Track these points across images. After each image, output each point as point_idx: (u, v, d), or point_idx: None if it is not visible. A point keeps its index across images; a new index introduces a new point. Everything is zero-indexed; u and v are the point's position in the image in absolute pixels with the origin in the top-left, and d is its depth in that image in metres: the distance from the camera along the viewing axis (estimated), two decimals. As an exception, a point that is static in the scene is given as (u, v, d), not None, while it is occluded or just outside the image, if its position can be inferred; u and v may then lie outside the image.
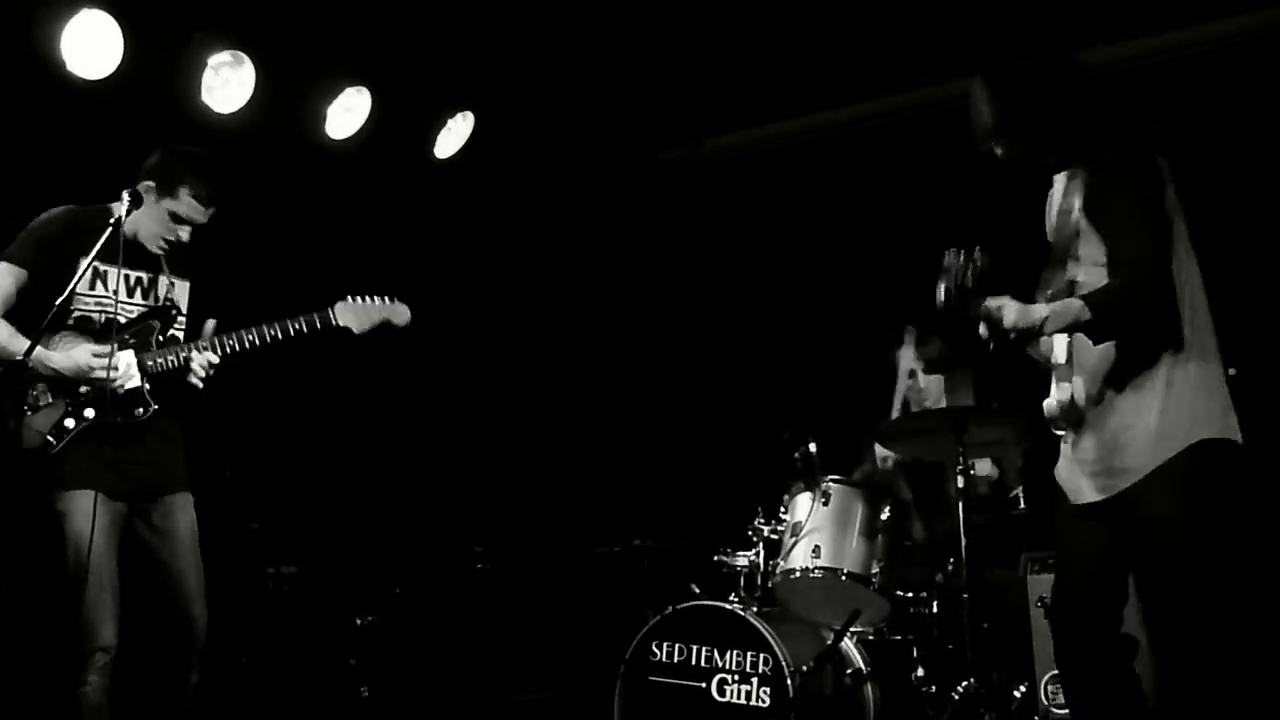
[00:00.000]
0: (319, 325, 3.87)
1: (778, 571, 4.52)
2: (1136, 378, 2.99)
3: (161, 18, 5.00)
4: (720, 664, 4.30)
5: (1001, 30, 5.38)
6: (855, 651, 4.41)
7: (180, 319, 3.92)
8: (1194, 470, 2.92)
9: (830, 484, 4.55)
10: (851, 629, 4.37)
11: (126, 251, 3.72)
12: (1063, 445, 3.18)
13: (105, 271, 3.76)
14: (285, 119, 5.50)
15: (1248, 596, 3.02)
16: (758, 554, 4.71)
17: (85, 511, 3.58)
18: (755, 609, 4.47)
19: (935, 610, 4.56)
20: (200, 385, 3.77)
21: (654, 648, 4.42)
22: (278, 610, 5.49)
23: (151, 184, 3.80)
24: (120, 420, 3.72)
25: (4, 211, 4.82)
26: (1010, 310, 2.98)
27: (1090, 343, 3.03)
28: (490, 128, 6.14)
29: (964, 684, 4.18)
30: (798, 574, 4.45)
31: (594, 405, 6.70)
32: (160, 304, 3.89)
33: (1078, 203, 3.07)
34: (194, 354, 3.76)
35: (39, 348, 3.58)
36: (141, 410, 3.75)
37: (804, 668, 4.18)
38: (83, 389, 3.68)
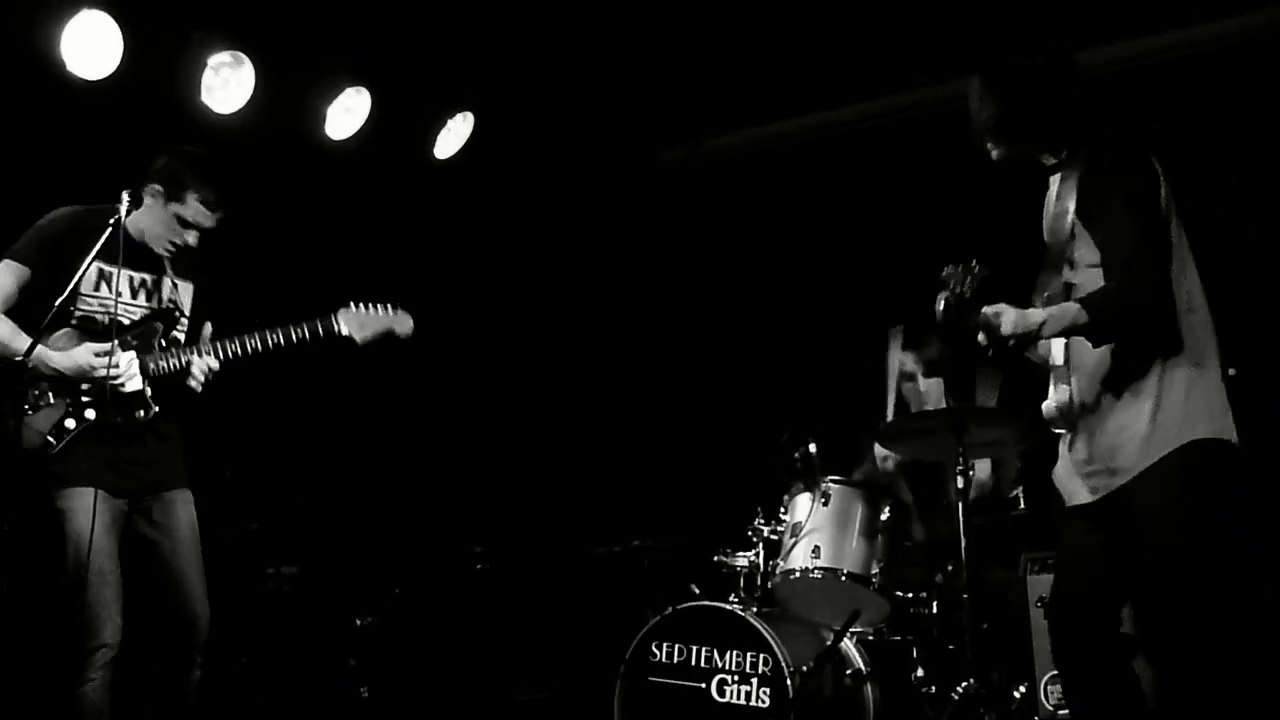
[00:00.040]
0: (321, 332, 3.88)
1: (777, 572, 4.52)
2: (1132, 379, 2.99)
3: (161, 18, 5.01)
4: (720, 664, 4.30)
5: (1001, 30, 5.37)
6: (855, 652, 4.40)
7: (183, 321, 3.93)
8: (1186, 470, 2.93)
9: (830, 484, 4.55)
10: (851, 629, 4.37)
11: (131, 253, 3.74)
12: (1061, 447, 3.18)
13: (110, 273, 3.76)
14: (285, 119, 5.51)
15: (1242, 597, 3.02)
16: (757, 554, 4.70)
17: (85, 509, 3.58)
18: (755, 609, 4.47)
19: (935, 610, 4.55)
20: (199, 390, 3.78)
21: (654, 648, 4.42)
22: (278, 610, 5.49)
23: (158, 187, 3.81)
24: (121, 421, 3.73)
25: (4, 211, 4.83)
26: (1008, 317, 2.99)
27: (1089, 345, 3.04)
28: (490, 128, 6.14)
29: (964, 684, 4.18)
30: (797, 574, 4.44)
31: (594, 405, 6.70)
32: (163, 306, 3.89)
33: (1072, 205, 3.07)
34: (195, 359, 3.76)
35: (41, 347, 3.58)
36: (142, 412, 3.76)
37: (804, 668, 4.18)
38: (84, 389, 3.68)
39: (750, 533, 4.72)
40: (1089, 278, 3.04)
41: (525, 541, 6.42)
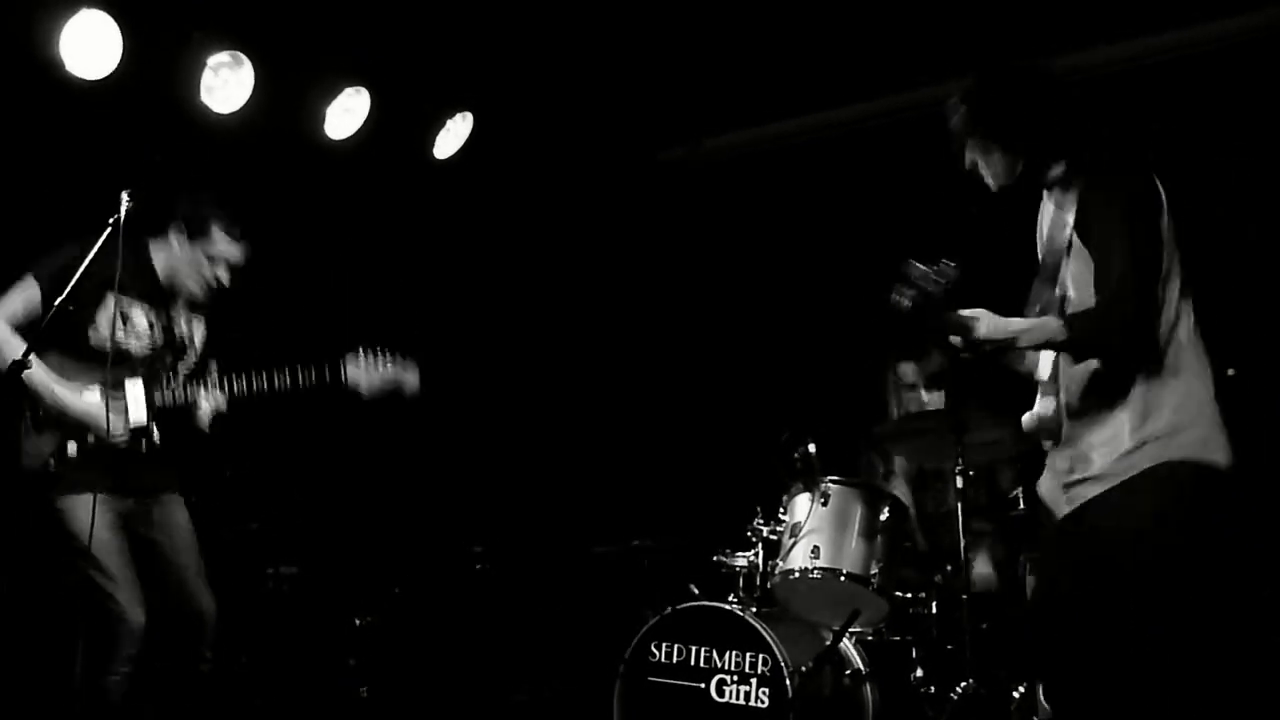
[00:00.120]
0: (328, 379, 3.93)
1: (777, 572, 4.51)
2: (1114, 395, 2.99)
3: (161, 18, 5.00)
4: (719, 664, 4.30)
5: (1001, 30, 5.37)
6: (854, 652, 4.40)
7: (191, 354, 3.97)
8: (1163, 487, 2.92)
9: (829, 484, 4.55)
10: (850, 629, 4.37)
11: (151, 290, 3.82)
12: (1047, 460, 3.19)
13: (128, 309, 3.81)
14: (284, 119, 5.50)
15: (1201, 618, 3.02)
16: (757, 554, 4.70)
17: (86, 509, 3.61)
18: (754, 609, 4.47)
19: (934, 611, 4.56)
20: (206, 430, 3.84)
21: (653, 648, 4.42)
22: (277, 610, 5.49)
23: (183, 229, 3.85)
24: (123, 446, 3.76)
25: (4, 211, 4.84)
26: (984, 322, 2.99)
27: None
28: (489, 128, 6.14)
29: (963, 684, 4.19)
30: (797, 574, 4.44)
31: (593, 405, 6.70)
32: (176, 340, 3.94)
33: (1071, 219, 3.06)
34: (203, 399, 3.81)
35: (48, 375, 3.61)
36: (145, 444, 3.80)
37: (803, 668, 4.18)
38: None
39: (749, 533, 4.72)
40: (1083, 293, 3.03)
41: (525, 541, 6.42)
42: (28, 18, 4.68)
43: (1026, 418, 3.13)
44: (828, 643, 4.32)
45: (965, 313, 3.00)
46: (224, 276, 3.93)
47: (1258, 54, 5.32)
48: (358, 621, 5.69)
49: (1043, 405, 3.12)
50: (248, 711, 5.20)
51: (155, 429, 3.81)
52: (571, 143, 6.51)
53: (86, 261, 3.54)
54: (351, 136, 5.67)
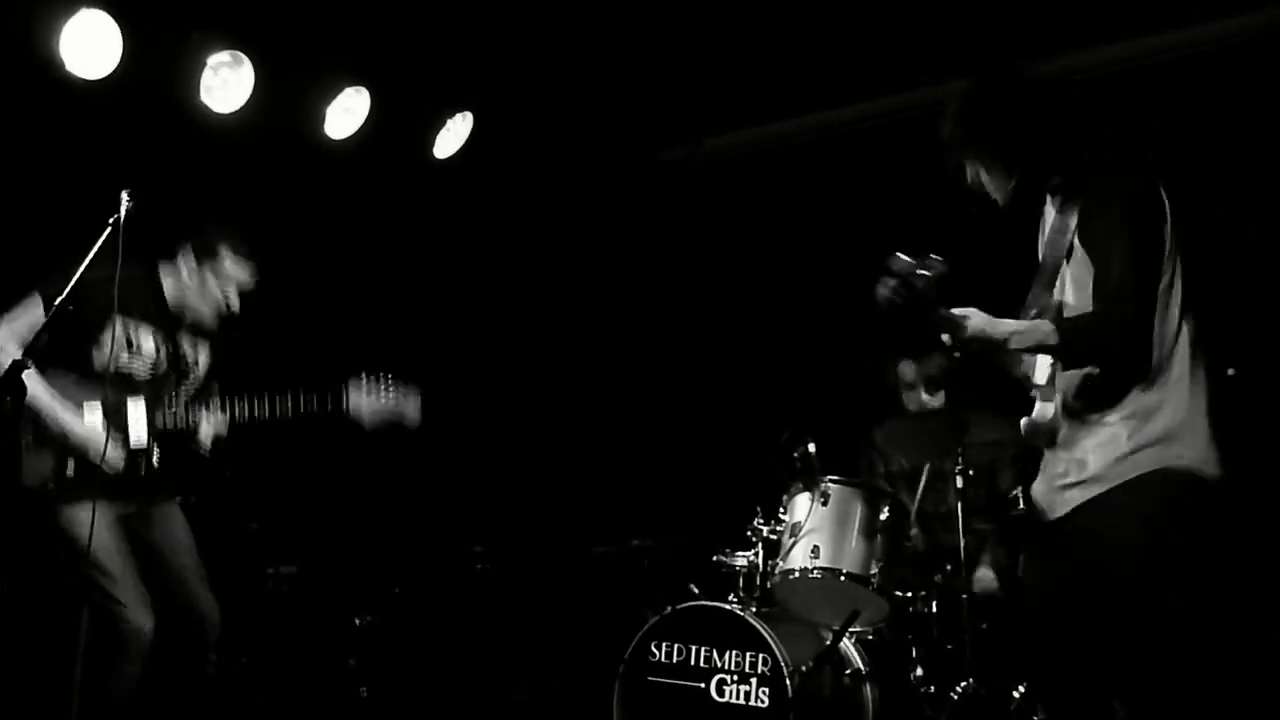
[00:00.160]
0: (330, 406, 3.96)
1: (777, 572, 4.51)
2: (1112, 400, 2.98)
3: (161, 18, 5.01)
4: (719, 664, 4.30)
5: (1001, 30, 5.37)
6: (854, 651, 4.40)
7: (196, 378, 3.98)
8: (1153, 491, 2.92)
9: (829, 484, 4.55)
10: (850, 629, 4.37)
11: (158, 314, 3.87)
12: (1042, 463, 3.19)
13: (135, 332, 3.82)
14: (284, 119, 5.51)
15: (1197, 622, 3.02)
16: (757, 554, 4.69)
17: (86, 514, 3.61)
18: (754, 609, 4.47)
19: (934, 610, 4.56)
20: (206, 455, 3.86)
21: (653, 648, 4.42)
22: (277, 610, 5.49)
23: (191, 253, 3.92)
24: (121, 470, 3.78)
25: (3, 211, 4.84)
26: (975, 321, 2.98)
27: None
28: (489, 128, 6.14)
29: (963, 684, 4.18)
30: (797, 574, 4.44)
31: (593, 405, 6.70)
32: (181, 364, 3.95)
33: (1073, 224, 3.06)
34: (204, 423, 3.82)
35: (53, 397, 3.61)
36: (144, 467, 3.80)
37: (803, 668, 4.18)
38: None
39: (749, 532, 4.72)
40: (1081, 299, 3.03)
41: (525, 541, 6.42)
42: (28, 17, 4.68)
43: (1024, 422, 3.13)
44: (828, 642, 4.32)
45: (956, 311, 2.99)
46: (234, 301, 3.96)
47: (1258, 54, 5.32)
48: (358, 621, 5.69)
49: (1040, 410, 3.11)
50: (248, 711, 5.20)
51: (155, 450, 3.82)
52: (571, 143, 6.51)
53: (86, 261, 3.55)
54: (351, 136, 5.68)
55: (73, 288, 3.69)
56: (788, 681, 4.11)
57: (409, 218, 6.36)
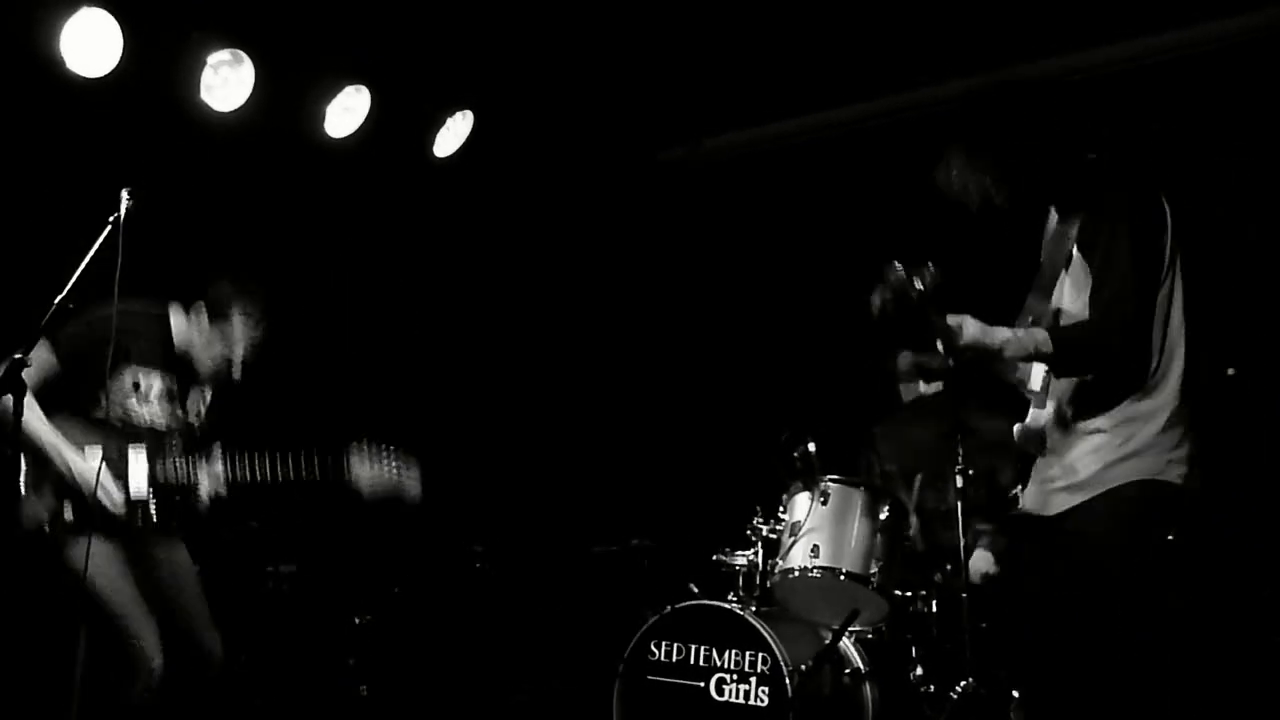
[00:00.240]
0: (331, 474, 3.97)
1: (776, 571, 4.51)
2: (1103, 408, 3.00)
3: (161, 16, 5.01)
4: (719, 663, 4.30)
5: (1001, 30, 5.38)
6: (854, 651, 4.40)
7: (199, 426, 4.02)
8: (1141, 497, 2.94)
9: (829, 483, 4.55)
10: (850, 628, 4.37)
11: (165, 358, 3.88)
12: (1034, 469, 3.20)
13: (142, 377, 3.84)
14: (284, 118, 5.51)
15: (1182, 626, 3.05)
16: (756, 553, 4.69)
17: (83, 546, 3.60)
18: (754, 608, 4.47)
19: (934, 610, 4.55)
20: (204, 512, 3.86)
21: (653, 647, 4.42)
22: (277, 610, 5.49)
23: (205, 311, 3.93)
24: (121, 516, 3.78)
25: (3, 210, 4.84)
26: (970, 329, 2.99)
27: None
28: (489, 127, 6.14)
29: (962, 683, 4.18)
30: (796, 573, 4.44)
31: (593, 405, 6.70)
32: (185, 411, 3.94)
33: (1073, 233, 3.06)
34: (204, 479, 3.83)
35: (52, 429, 3.62)
36: (141, 519, 3.79)
37: (802, 667, 4.18)
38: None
39: (749, 532, 4.72)
40: (1077, 306, 3.03)
41: (524, 541, 6.42)
42: (28, 16, 4.68)
43: (1018, 428, 3.14)
44: (827, 641, 4.32)
45: (951, 319, 3.00)
46: (237, 367, 3.96)
47: (1258, 54, 5.32)
48: (357, 620, 5.68)
49: (1033, 416, 3.13)
50: (248, 711, 5.19)
51: (153, 503, 3.82)
52: (572, 142, 6.51)
53: (86, 261, 3.55)
54: (351, 135, 5.68)
55: (71, 287, 3.70)
56: (787, 681, 4.11)
57: (409, 217, 6.35)
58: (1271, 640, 4.46)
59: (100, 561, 3.61)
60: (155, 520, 3.82)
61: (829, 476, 4.58)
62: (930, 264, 2.96)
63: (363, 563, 6.03)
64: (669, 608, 4.47)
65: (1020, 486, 4.75)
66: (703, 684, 4.30)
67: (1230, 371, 3.23)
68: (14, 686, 4.46)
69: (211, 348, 3.94)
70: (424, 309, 6.44)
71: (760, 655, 4.22)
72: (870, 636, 4.57)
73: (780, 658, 4.15)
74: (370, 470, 4.01)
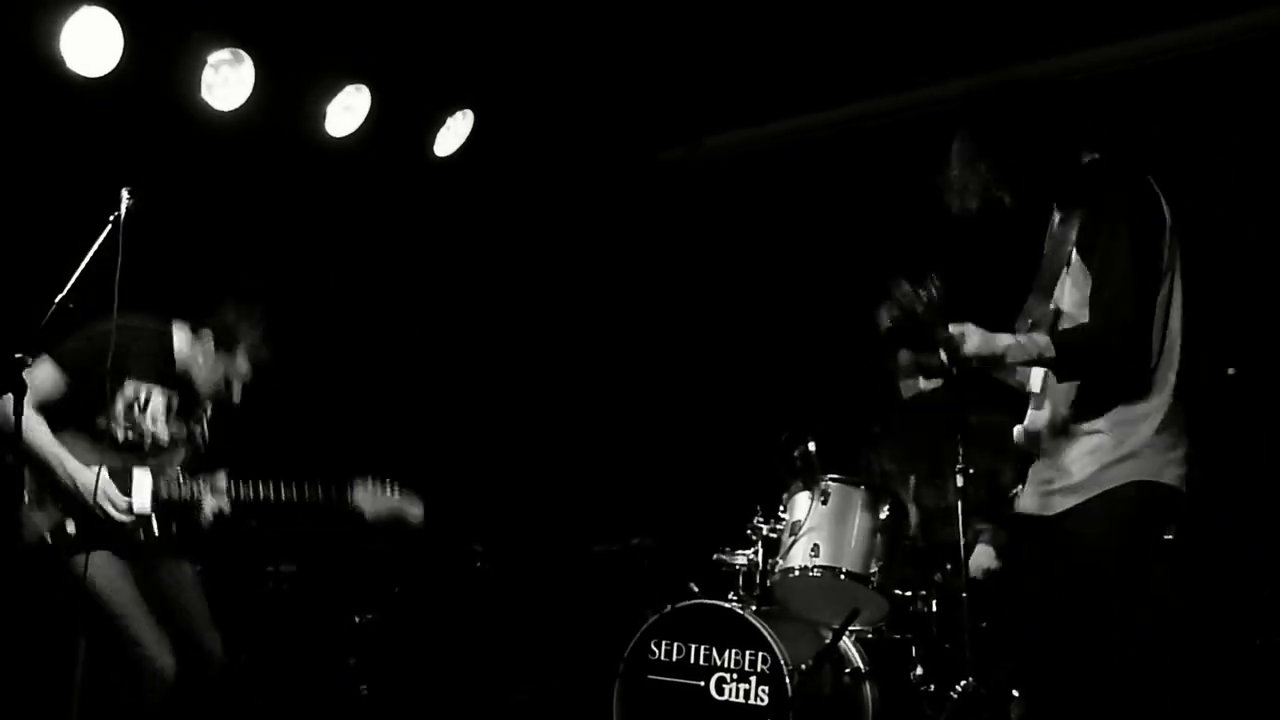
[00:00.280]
0: (334, 501, 4.01)
1: (776, 570, 4.51)
2: (1099, 410, 3.00)
3: (161, 15, 5.01)
4: (719, 663, 4.30)
5: (1001, 30, 5.37)
6: (854, 650, 4.41)
7: (201, 444, 4.01)
8: (1138, 498, 2.95)
9: (829, 483, 4.55)
10: (850, 628, 4.37)
11: (166, 374, 3.87)
12: (1030, 471, 3.20)
13: (145, 393, 3.83)
14: (285, 117, 5.51)
15: (1175, 627, 3.05)
16: (756, 553, 4.70)
17: (95, 560, 3.60)
18: (754, 608, 4.47)
19: (934, 609, 4.56)
20: (206, 529, 3.86)
21: (653, 646, 4.42)
22: (277, 609, 5.49)
23: (210, 334, 3.92)
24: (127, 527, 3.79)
25: (3, 210, 4.84)
26: (972, 338, 3.00)
27: None
28: (490, 126, 6.14)
29: (962, 683, 4.18)
30: (796, 573, 4.44)
31: (593, 404, 6.70)
32: (188, 432, 3.94)
33: (1073, 235, 3.06)
34: (207, 498, 3.83)
35: (59, 445, 3.61)
36: (143, 534, 3.79)
37: (803, 666, 4.18)
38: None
39: (749, 531, 4.72)
40: (1076, 308, 3.04)
41: (524, 540, 6.42)
42: (28, 15, 4.68)
43: (1017, 430, 3.15)
44: (827, 641, 4.32)
45: (953, 328, 3.01)
46: (237, 392, 3.96)
47: (1258, 54, 5.32)
48: (357, 620, 5.68)
49: (1032, 418, 3.14)
50: (248, 711, 5.19)
51: (155, 521, 3.82)
52: (572, 142, 6.51)
53: (86, 261, 3.55)
54: (352, 134, 5.68)
55: (71, 286, 3.70)
56: (787, 680, 4.12)
57: (409, 216, 6.35)
58: (1271, 640, 4.47)
59: (100, 562, 3.61)
60: (158, 536, 3.82)
61: (829, 476, 4.58)
62: (934, 276, 2.98)
63: (363, 562, 6.03)
64: (669, 607, 4.47)
65: (1021, 486, 4.78)
66: (703, 683, 4.31)
67: (1230, 371, 3.23)
68: (16, 693, 4.46)
69: (215, 373, 3.94)
70: (425, 308, 6.44)
71: (760, 654, 4.23)
72: (870, 636, 4.57)
73: (780, 657, 4.16)
74: (374, 497, 4.04)
